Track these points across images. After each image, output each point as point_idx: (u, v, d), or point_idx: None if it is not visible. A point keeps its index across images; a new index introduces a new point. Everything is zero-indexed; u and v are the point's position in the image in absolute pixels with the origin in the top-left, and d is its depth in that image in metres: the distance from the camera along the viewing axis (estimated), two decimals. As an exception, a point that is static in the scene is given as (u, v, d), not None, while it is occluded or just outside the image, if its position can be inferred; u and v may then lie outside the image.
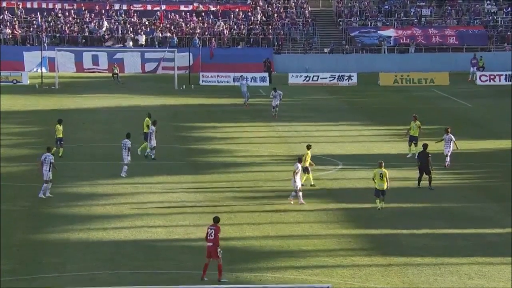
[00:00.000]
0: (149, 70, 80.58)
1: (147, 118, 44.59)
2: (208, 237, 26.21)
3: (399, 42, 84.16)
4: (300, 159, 35.60)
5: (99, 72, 79.29)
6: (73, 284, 25.86)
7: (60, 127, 43.57)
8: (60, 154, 42.94)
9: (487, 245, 30.13)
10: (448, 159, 41.81)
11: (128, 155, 39.44)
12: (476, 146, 47.74)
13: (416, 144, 43.94)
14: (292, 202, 34.64)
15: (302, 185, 35.85)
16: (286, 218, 33.40)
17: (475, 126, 54.40)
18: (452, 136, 41.92)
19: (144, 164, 42.53)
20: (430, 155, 37.83)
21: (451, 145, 41.83)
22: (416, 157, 40.34)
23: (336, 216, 33.80)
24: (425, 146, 38.44)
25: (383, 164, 34.44)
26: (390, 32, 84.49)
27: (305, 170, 37.43)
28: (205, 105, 63.22)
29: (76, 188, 37.80)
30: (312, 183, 37.90)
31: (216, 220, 26.55)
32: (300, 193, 34.54)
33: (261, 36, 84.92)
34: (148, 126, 43.71)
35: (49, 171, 35.52)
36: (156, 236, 31.23)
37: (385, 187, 34.04)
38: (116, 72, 75.78)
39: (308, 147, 38.20)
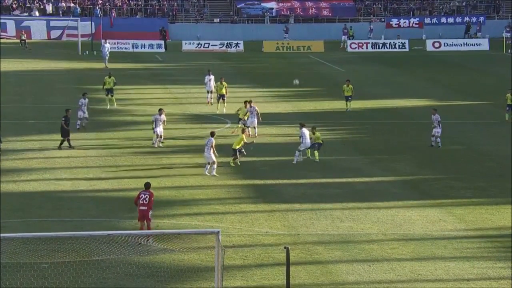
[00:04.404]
0: (54, 37, 78.81)
1: (112, 77, 46.18)
2: (141, 201, 24.89)
3: (280, 13, 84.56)
4: (212, 133, 33.15)
5: (7, 38, 77.05)
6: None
7: None
8: None
9: (356, 192, 30.75)
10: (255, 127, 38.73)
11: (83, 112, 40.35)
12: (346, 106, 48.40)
13: (224, 100, 45.00)
14: (207, 173, 32.36)
15: None
16: (181, 171, 33.30)
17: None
18: (256, 108, 39.24)
19: (51, 123, 41.61)
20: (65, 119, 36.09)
21: (256, 118, 38.92)
22: None
23: (225, 168, 33.88)
24: (67, 110, 36.66)
25: (245, 130, 34.79)
26: (272, 5, 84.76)
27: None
28: (106, 69, 62.02)
29: (-12, 145, 36.67)
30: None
31: (148, 186, 25.33)
32: (215, 165, 32.40)
33: (156, 7, 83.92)
34: (113, 83, 45.97)
35: None
36: (62, 188, 30.72)
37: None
38: (24, 38, 74.23)
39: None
